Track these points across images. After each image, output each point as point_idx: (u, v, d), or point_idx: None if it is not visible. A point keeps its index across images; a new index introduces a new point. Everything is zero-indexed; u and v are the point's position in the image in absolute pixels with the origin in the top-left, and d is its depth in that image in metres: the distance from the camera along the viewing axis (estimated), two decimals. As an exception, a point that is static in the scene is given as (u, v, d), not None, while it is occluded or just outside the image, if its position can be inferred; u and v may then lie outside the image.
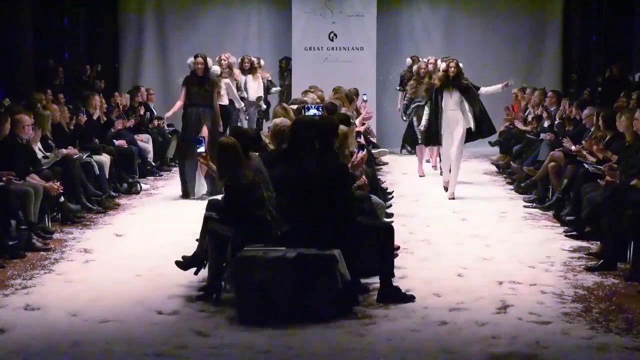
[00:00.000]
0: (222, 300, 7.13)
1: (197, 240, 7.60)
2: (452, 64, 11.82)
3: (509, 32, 18.67)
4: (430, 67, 14.23)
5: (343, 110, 11.36)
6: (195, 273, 7.54)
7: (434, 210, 11.34)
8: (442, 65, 11.99)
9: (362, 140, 10.47)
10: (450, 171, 12.15)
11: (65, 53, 17.34)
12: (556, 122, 13.07)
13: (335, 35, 18.13)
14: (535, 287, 7.59)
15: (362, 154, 7.97)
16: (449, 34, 18.73)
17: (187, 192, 12.18)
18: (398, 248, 8.32)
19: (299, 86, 16.41)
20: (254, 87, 15.47)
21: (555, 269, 8.27)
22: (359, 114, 13.57)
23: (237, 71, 14.97)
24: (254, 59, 15.71)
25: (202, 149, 7.78)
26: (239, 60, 15.39)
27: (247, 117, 15.33)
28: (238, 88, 14.62)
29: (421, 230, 10.10)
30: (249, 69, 15.43)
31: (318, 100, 11.26)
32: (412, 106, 14.43)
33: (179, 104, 12.36)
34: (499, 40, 18.62)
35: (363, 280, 7.38)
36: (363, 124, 12.40)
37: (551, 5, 18.76)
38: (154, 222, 10.61)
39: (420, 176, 14.31)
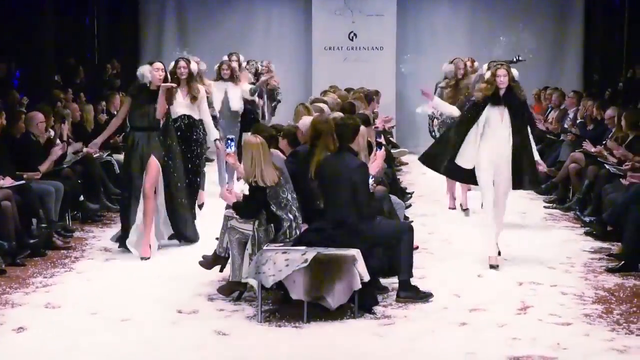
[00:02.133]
0: (241, 299, 7.14)
1: (216, 238, 7.61)
2: (500, 72, 8.19)
3: (531, 32, 18.54)
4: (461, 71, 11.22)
5: (362, 110, 11.31)
6: (221, 270, 7.55)
7: (453, 210, 11.29)
8: (486, 74, 8.52)
9: (381, 139, 10.45)
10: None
11: (86, 52, 17.41)
12: (577, 122, 13.00)
13: (355, 34, 18.09)
14: (555, 288, 7.55)
15: (380, 152, 7.95)
16: (471, 33, 18.55)
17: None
18: (417, 248, 8.30)
19: (318, 86, 16.40)
20: (237, 97, 12.12)
21: (575, 270, 8.23)
22: (375, 115, 13.15)
23: (207, 81, 11.27)
24: (235, 64, 12.49)
25: (232, 149, 7.55)
26: (217, 66, 12.28)
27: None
28: (209, 102, 10.66)
29: (440, 230, 10.08)
30: (230, 77, 12.07)
31: (339, 100, 11.17)
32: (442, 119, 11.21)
33: (114, 125, 9.61)
34: (520, 39, 18.49)
35: (382, 280, 7.38)
36: (384, 127, 11.84)
37: (573, 5, 18.62)
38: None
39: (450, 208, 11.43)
